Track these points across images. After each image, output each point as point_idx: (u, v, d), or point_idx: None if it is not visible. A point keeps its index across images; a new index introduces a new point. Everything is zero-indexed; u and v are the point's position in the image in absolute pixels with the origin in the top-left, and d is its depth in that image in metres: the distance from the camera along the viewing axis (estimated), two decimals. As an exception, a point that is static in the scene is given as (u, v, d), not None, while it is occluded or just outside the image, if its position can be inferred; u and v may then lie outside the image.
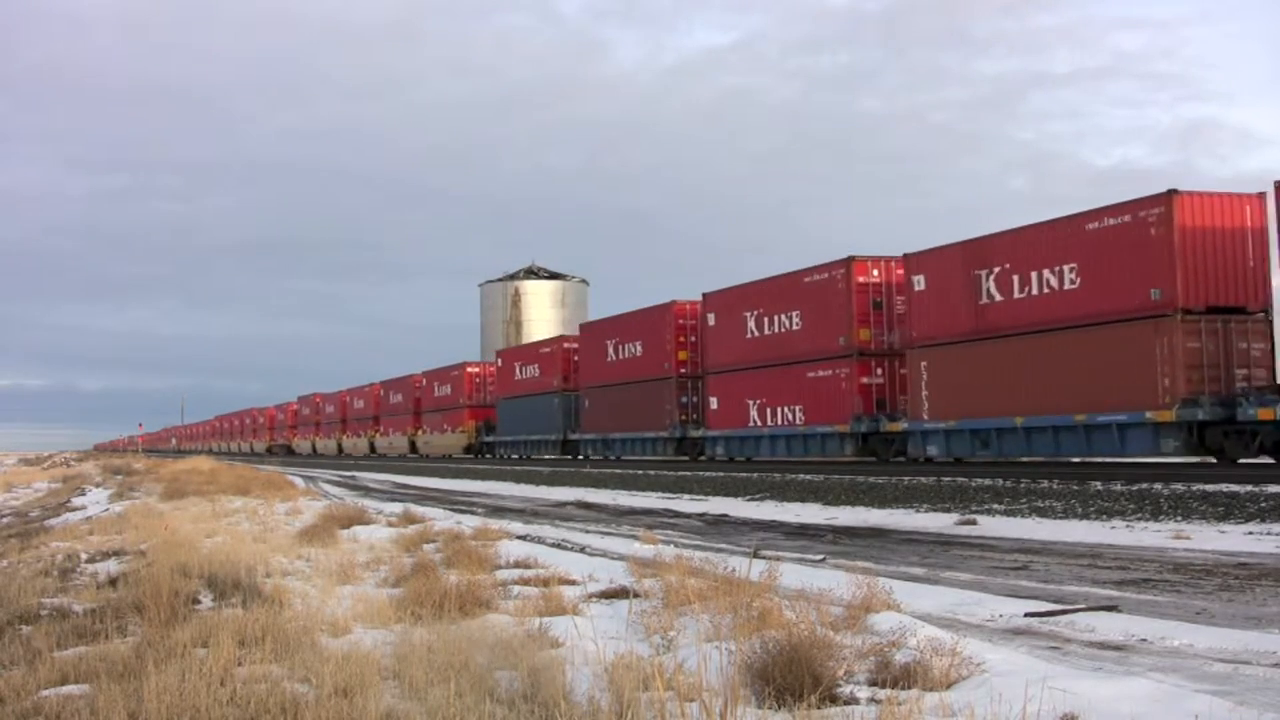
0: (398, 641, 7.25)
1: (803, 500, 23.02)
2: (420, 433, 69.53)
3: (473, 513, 22.53)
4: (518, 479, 37.68)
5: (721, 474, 29.49)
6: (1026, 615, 8.66)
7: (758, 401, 34.02)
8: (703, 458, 37.67)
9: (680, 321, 38.75)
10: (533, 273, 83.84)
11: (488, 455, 58.47)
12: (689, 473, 31.20)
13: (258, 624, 7.49)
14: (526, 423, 51.96)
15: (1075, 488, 19.19)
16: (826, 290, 31.12)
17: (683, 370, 38.65)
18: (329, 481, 43.42)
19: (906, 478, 23.56)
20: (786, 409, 32.83)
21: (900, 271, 29.47)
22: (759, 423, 33.98)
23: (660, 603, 8.41)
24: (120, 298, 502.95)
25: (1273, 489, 16.48)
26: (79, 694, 6.17)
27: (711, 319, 36.80)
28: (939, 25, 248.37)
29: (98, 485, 42.78)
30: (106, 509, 25.41)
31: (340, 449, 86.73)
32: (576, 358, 47.82)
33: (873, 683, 6.07)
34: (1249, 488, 16.83)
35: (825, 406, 31.08)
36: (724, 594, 7.84)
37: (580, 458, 46.18)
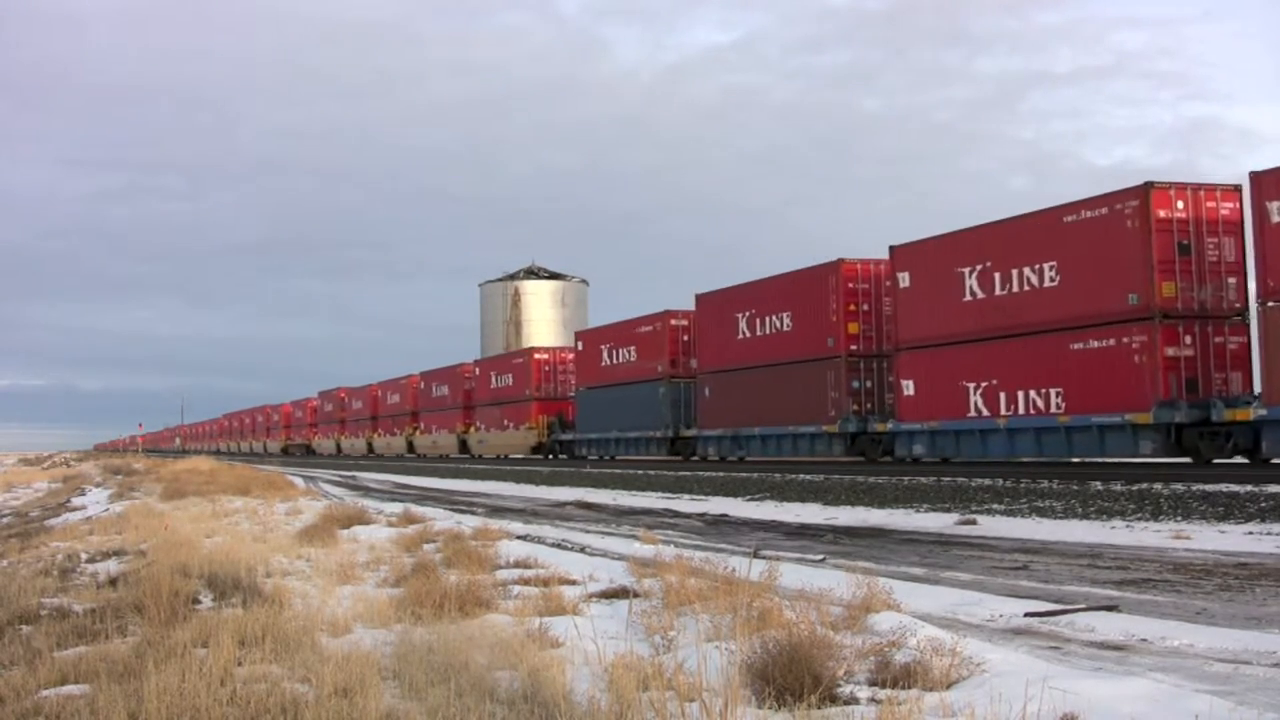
0: (398, 641, 7.25)
1: (803, 500, 23.02)
2: (473, 430, 60.61)
3: (473, 513, 22.53)
4: (518, 479, 37.70)
5: (721, 474, 29.49)
6: (1026, 615, 8.66)
7: (982, 384, 25.27)
8: (888, 458, 29.15)
9: (850, 285, 30.28)
10: (533, 273, 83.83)
11: (562, 456, 49.25)
12: (688, 473, 31.19)
13: (258, 624, 7.49)
14: (619, 417, 42.76)
15: (1075, 488, 19.19)
16: (1110, 226, 22.49)
17: (854, 347, 30.19)
18: (329, 481, 43.43)
19: (906, 478, 23.55)
20: (1035, 394, 24.09)
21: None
22: (984, 412, 25.26)
23: (660, 603, 8.42)
24: (120, 298, 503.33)
25: (1273, 489, 16.47)
26: (79, 694, 6.17)
27: (905, 279, 27.78)
28: (940, 24, 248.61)
29: (97, 485, 42.79)
30: (106, 509, 25.42)
31: (371, 448, 78.58)
32: (687, 336, 39.11)
33: (873, 683, 6.07)
34: (1249, 488, 16.83)
35: (1103, 389, 22.43)
36: (724, 594, 7.84)
37: (694, 458, 38.21)
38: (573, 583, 10.30)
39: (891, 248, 28.28)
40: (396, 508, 21.72)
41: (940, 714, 5.35)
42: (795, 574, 10.02)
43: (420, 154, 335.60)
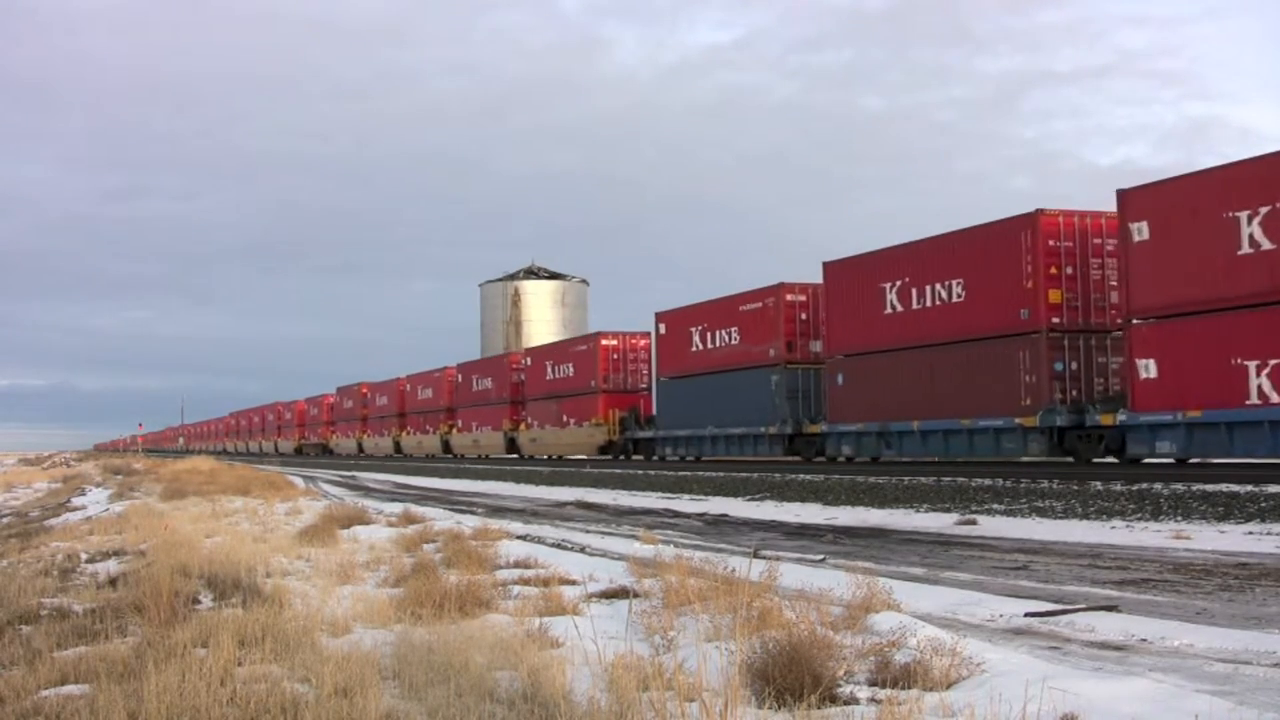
0: (397, 641, 7.25)
1: (803, 500, 23.03)
2: (524, 427, 53.65)
3: (473, 513, 22.53)
4: (518, 479, 37.71)
5: (721, 474, 29.48)
6: (1026, 615, 8.66)
7: (1269, 364, 19.48)
8: (1110, 459, 23.48)
9: (1051, 243, 23.97)
10: (533, 273, 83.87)
11: (637, 456, 42.87)
12: (689, 473, 31.19)
13: (258, 624, 7.49)
14: (715, 410, 36.11)
15: (1075, 488, 19.19)
16: None
17: (1056, 320, 23.89)
18: (329, 481, 43.43)
19: (906, 478, 23.55)
20: None
21: None
22: (1273, 398, 19.49)
23: (660, 603, 8.42)
24: (120, 297, 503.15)
25: (1273, 489, 16.48)
26: (79, 694, 6.17)
27: (1141, 230, 21.76)
28: (941, 23, 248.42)
29: (97, 485, 42.78)
30: (106, 509, 25.41)
31: (398, 448, 71.86)
32: (805, 314, 33.10)
33: (873, 683, 6.07)
34: (1249, 488, 16.83)
35: None
36: (724, 594, 7.84)
37: (821, 458, 31.92)
38: (573, 583, 10.30)
39: (1120, 192, 22.51)
40: (396, 508, 21.72)
41: (940, 714, 5.35)
42: (795, 574, 10.02)
43: (420, 154, 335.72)
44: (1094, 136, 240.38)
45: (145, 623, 8.22)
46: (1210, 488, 17.27)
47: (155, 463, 63.52)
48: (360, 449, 79.69)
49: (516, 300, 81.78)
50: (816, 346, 32.70)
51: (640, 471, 34.18)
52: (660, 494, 27.88)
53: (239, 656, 6.77)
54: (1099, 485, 19.02)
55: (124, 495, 30.97)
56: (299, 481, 38.29)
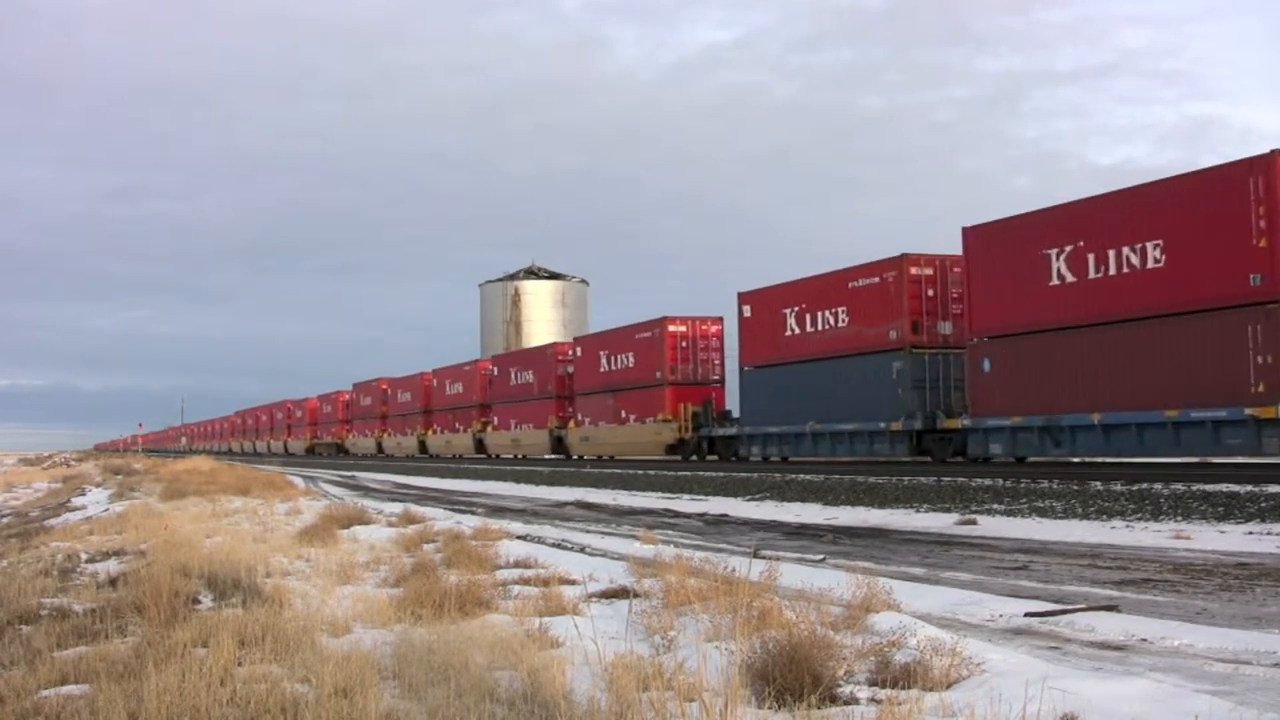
0: (398, 641, 7.25)
1: (803, 500, 23.03)
2: (574, 425, 48.48)
3: (473, 513, 22.53)
4: (518, 479, 37.72)
5: (721, 474, 29.50)
6: (1026, 615, 8.66)
7: None
8: None
9: None
10: (533, 273, 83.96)
11: (711, 457, 38.41)
12: (689, 473, 31.20)
13: (258, 624, 7.49)
14: (817, 403, 31.20)
15: (1075, 488, 19.19)
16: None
17: None
18: (329, 481, 43.43)
19: (907, 478, 23.56)
20: None
21: None
22: None
23: (660, 603, 8.41)
24: (120, 297, 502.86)
25: (1273, 489, 16.49)
26: (79, 694, 6.17)
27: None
28: (942, 22, 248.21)
29: (97, 485, 42.78)
30: (106, 509, 25.41)
31: (423, 447, 66.93)
32: (933, 290, 28.63)
33: (873, 683, 6.07)
34: (1249, 488, 16.84)
35: None
36: (724, 594, 7.84)
37: (958, 458, 27.59)
38: (573, 583, 10.30)
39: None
40: (396, 508, 21.72)
41: (940, 714, 5.35)
42: (795, 574, 10.01)
43: (420, 153, 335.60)
44: (1095, 136, 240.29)
45: (145, 623, 8.22)
46: (1210, 488, 17.28)
47: (155, 463, 63.52)
48: (380, 449, 74.78)
49: (516, 300, 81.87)
50: (945, 328, 28.41)
51: (640, 471, 34.17)
52: (660, 494, 27.88)
53: (239, 656, 6.76)
54: (1099, 485, 19.03)
55: (124, 495, 30.96)
56: (299, 481, 38.29)
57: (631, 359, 43.65)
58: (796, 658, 5.87)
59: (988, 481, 21.42)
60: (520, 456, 54.22)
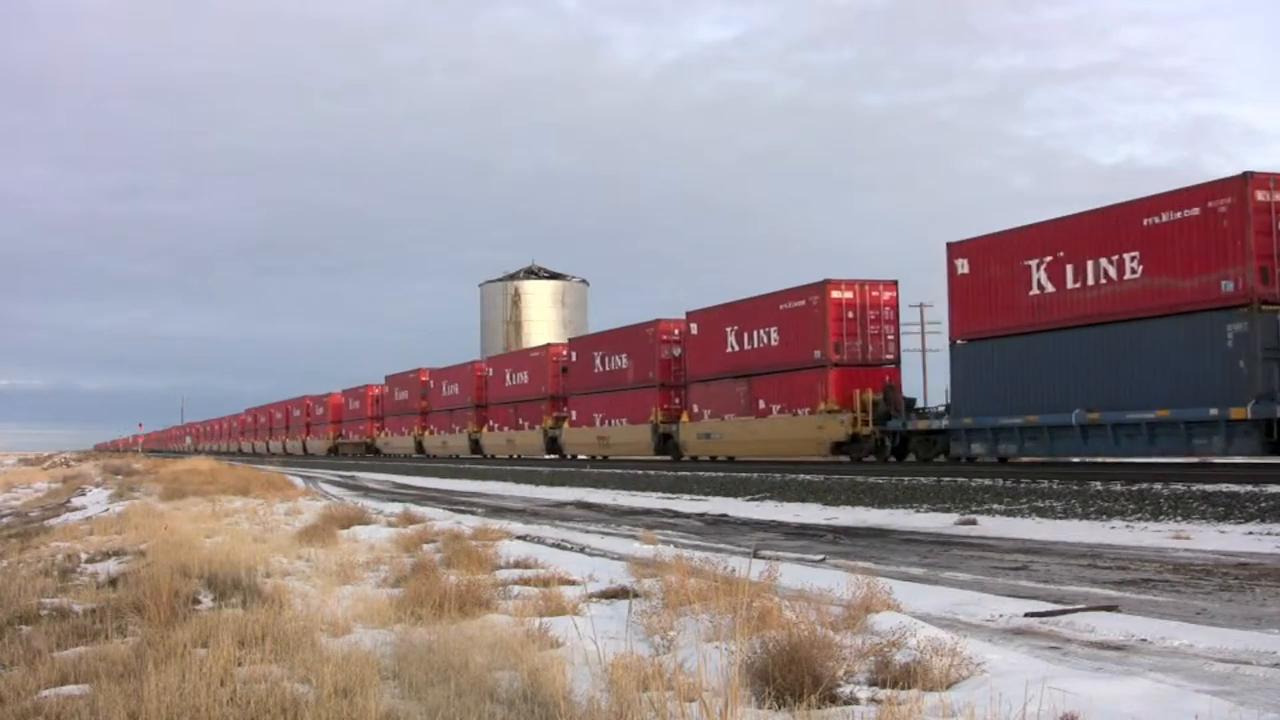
0: (397, 641, 7.26)
1: (803, 500, 23.04)
2: (687, 419, 38.95)
3: (472, 513, 22.54)
4: (517, 479, 37.71)
5: (721, 474, 29.50)
6: (1026, 615, 8.66)
7: None
8: None
9: None
10: (533, 273, 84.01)
11: (909, 458, 30.34)
12: (689, 473, 31.19)
13: (258, 624, 7.49)
14: (1089, 383, 23.58)
15: (1075, 488, 19.19)
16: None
17: None
18: (328, 482, 43.44)
19: (906, 478, 23.56)
20: None
21: None
22: None
23: (660, 603, 8.42)
24: (120, 297, 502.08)
25: (1273, 489, 16.49)
26: (79, 694, 6.17)
27: None
28: (943, 20, 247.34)
29: (97, 485, 42.78)
30: (106, 509, 25.42)
31: (476, 446, 57.75)
32: None
33: (873, 683, 6.07)
34: (1249, 488, 16.84)
35: None
36: (724, 594, 7.83)
37: None
38: (573, 583, 10.30)
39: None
40: (396, 508, 21.73)
41: (940, 714, 5.34)
42: (795, 574, 10.02)
43: (420, 153, 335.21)
44: (1097, 135, 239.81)
45: (145, 623, 8.22)
46: (1210, 488, 17.28)
47: (155, 463, 63.53)
48: (420, 449, 66.00)
49: (516, 300, 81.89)
50: None
51: (640, 472, 34.15)
52: (660, 494, 27.89)
53: (239, 656, 6.77)
54: (1099, 485, 19.03)
55: (124, 495, 30.97)
56: (299, 482, 38.30)
57: (774, 335, 34.48)
58: (796, 658, 5.87)
59: (987, 481, 21.42)
60: (597, 457, 45.34)
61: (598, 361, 45.77)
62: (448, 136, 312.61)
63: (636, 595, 8.88)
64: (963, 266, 27.25)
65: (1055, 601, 9.38)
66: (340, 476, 49.11)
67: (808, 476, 26.00)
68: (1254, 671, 6.61)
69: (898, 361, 32.65)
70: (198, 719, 5.46)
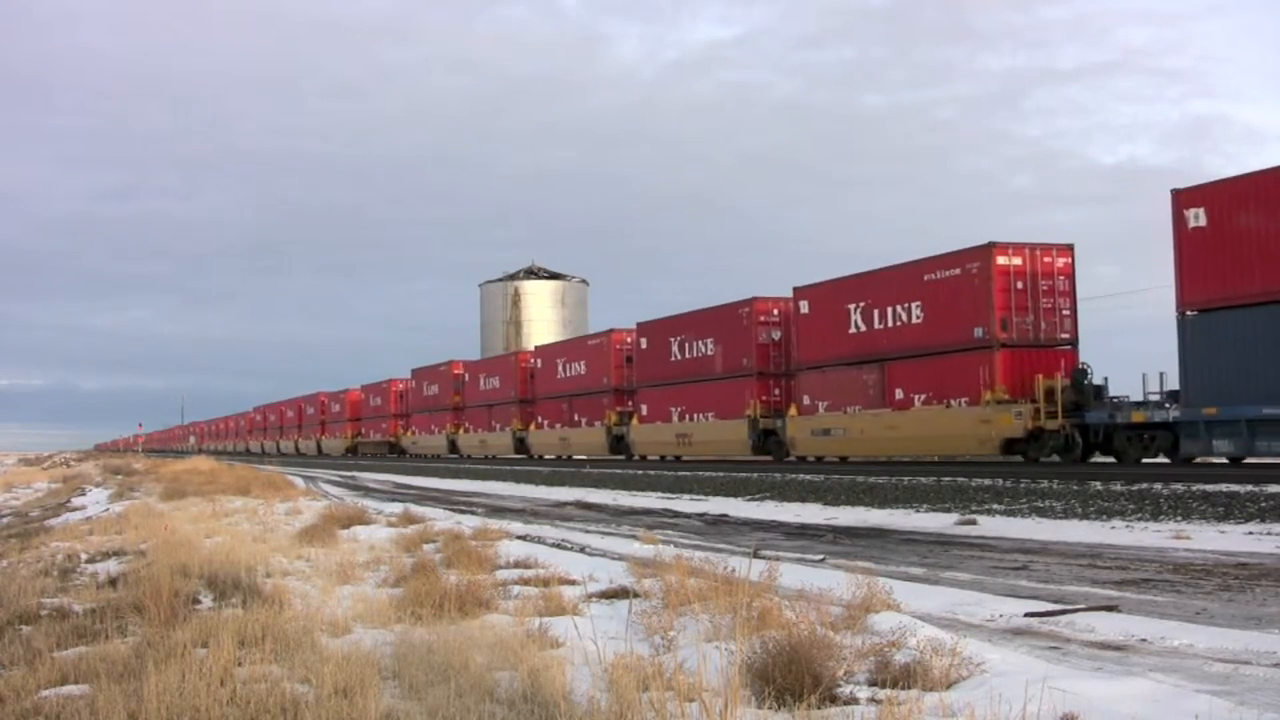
0: (397, 641, 7.26)
1: (803, 500, 23.03)
2: (794, 412, 33.21)
3: (472, 513, 22.54)
4: (517, 479, 37.69)
5: (721, 474, 29.49)
6: (1026, 615, 8.66)
7: None
8: None
9: None
10: (533, 273, 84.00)
11: (1107, 459, 24.90)
12: (688, 473, 31.18)
13: (258, 624, 7.49)
14: None
15: (1075, 488, 19.20)
16: None
17: None
18: (329, 482, 43.44)
19: (906, 478, 23.56)
20: None
21: None
22: None
23: (660, 603, 8.42)
24: (119, 297, 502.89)
25: (1273, 489, 16.49)
26: (79, 694, 6.17)
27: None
28: (944, 19, 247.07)
29: (97, 485, 42.78)
30: (106, 509, 25.42)
31: (522, 446, 52.19)
32: None
33: (873, 683, 6.07)
34: (1249, 488, 16.85)
35: None
36: (724, 594, 7.84)
37: None
38: (573, 583, 10.30)
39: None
40: (396, 508, 21.72)
41: (940, 714, 5.34)
42: (795, 574, 10.02)
43: (420, 152, 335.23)
44: (1098, 134, 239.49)
45: (145, 623, 8.22)
46: (1210, 488, 17.29)
47: (155, 463, 63.51)
48: (453, 448, 60.27)
49: (516, 300, 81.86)
50: None
51: (640, 472, 34.14)
52: (660, 494, 27.88)
53: (239, 656, 6.77)
54: (1099, 485, 19.03)
55: (124, 495, 30.97)
56: (299, 482, 38.29)
57: (916, 311, 28.49)
58: (796, 658, 5.87)
59: (987, 481, 21.43)
60: (665, 457, 40.15)
61: (675, 350, 39.46)
62: (448, 136, 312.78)
63: (636, 595, 8.88)
64: (1197, 218, 21.88)
65: (1055, 601, 9.38)
66: (341, 476, 49.10)
67: (808, 477, 26.01)
68: (1254, 671, 6.61)
69: (1075, 342, 26.89)
70: (198, 719, 5.45)
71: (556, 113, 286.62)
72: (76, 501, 32.53)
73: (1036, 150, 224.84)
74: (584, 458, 45.15)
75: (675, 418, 39.38)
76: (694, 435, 38.36)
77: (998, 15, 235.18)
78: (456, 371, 61.97)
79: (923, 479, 22.93)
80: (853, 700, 5.71)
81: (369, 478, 46.66)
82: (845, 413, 30.92)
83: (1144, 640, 7.63)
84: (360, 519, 18.14)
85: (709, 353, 37.48)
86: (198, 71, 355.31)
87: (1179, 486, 17.78)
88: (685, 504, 24.35)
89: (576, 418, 46.70)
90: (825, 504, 21.95)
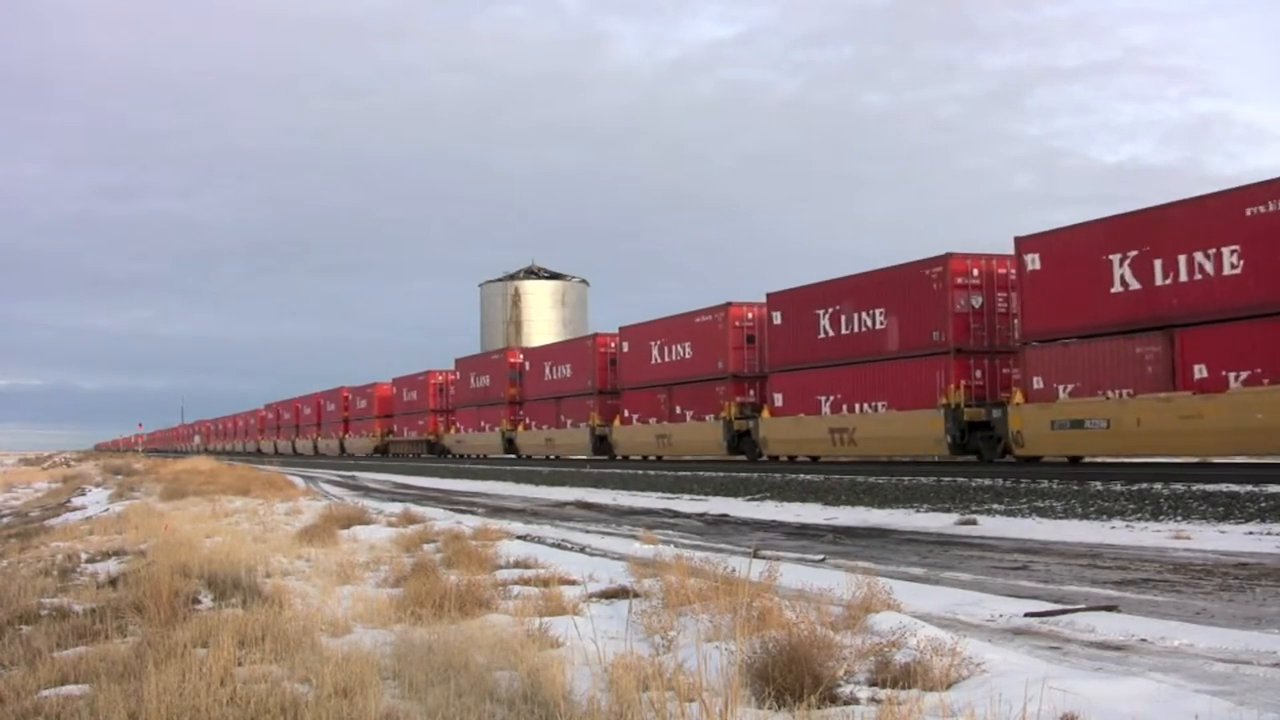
0: (397, 641, 7.26)
1: (803, 500, 23.03)
2: (1018, 402, 24.87)
3: (473, 513, 22.53)
4: (518, 479, 37.68)
5: (721, 474, 29.48)
6: (1026, 615, 8.66)
7: None
8: None
9: None
10: (533, 273, 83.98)
11: None
12: (689, 473, 31.17)
13: (258, 624, 7.49)
14: None
15: (1075, 488, 19.19)
16: None
17: None
18: (329, 482, 43.43)
19: (906, 478, 23.56)
20: None
21: None
22: None
23: (660, 603, 8.41)
24: (119, 296, 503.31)
25: (1273, 489, 16.49)
26: (79, 694, 6.17)
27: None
28: (945, 18, 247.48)
29: (97, 485, 42.79)
30: (106, 509, 25.42)
31: (603, 444, 44.27)
32: None
33: (873, 683, 6.07)
34: (1249, 488, 16.84)
35: None
36: (724, 594, 7.84)
37: None
38: (573, 583, 10.30)
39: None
40: (396, 508, 21.72)
41: (940, 714, 5.34)
42: (795, 574, 10.01)
43: (420, 152, 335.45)
44: (1099, 133, 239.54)
45: (145, 623, 8.22)
46: (1210, 488, 17.28)
47: (155, 463, 63.49)
48: (511, 447, 52.37)
49: (516, 300, 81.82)
50: None
51: (640, 472, 34.14)
52: (660, 494, 27.87)
53: (239, 656, 6.77)
54: (1099, 485, 19.03)
55: (124, 495, 30.98)
56: (299, 482, 38.29)
57: (1210, 261, 20.83)
58: (796, 658, 5.87)
59: (987, 481, 21.43)
60: (807, 457, 32.97)
61: (822, 324, 31.34)
62: (447, 136, 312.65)
63: (636, 595, 8.88)
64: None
65: (1055, 601, 9.38)
66: (341, 476, 49.08)
67: (808, 477, 26.01)
68: (1254, 671, 6.61)
69: None
70: (198, 719, 5.45)
71: (556, 112, 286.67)
72: (76, 501, 32.53)
73: (1038, 149, 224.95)
74: (583, 458, 44.97)
75: (828, 407, 31.37)
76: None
77: (999, 13, 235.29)
78: (512, 360, 53.98)
79: (923, 479, 22.93)
80: (853, 700, 5.71)
81: (369, 478, 46.65)
82: (1096, 398, 22.80)
83: (1144, 640, 7.63)
84: (360, 519, 18.14)
85: (883, 324, 29.44)
86: (198, 71, 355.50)
87: (1179, 486, 17.77)
88: (685, 504, 24.34)
89: (678, 410, 39.52)
90: (825, 504, 21.94)
